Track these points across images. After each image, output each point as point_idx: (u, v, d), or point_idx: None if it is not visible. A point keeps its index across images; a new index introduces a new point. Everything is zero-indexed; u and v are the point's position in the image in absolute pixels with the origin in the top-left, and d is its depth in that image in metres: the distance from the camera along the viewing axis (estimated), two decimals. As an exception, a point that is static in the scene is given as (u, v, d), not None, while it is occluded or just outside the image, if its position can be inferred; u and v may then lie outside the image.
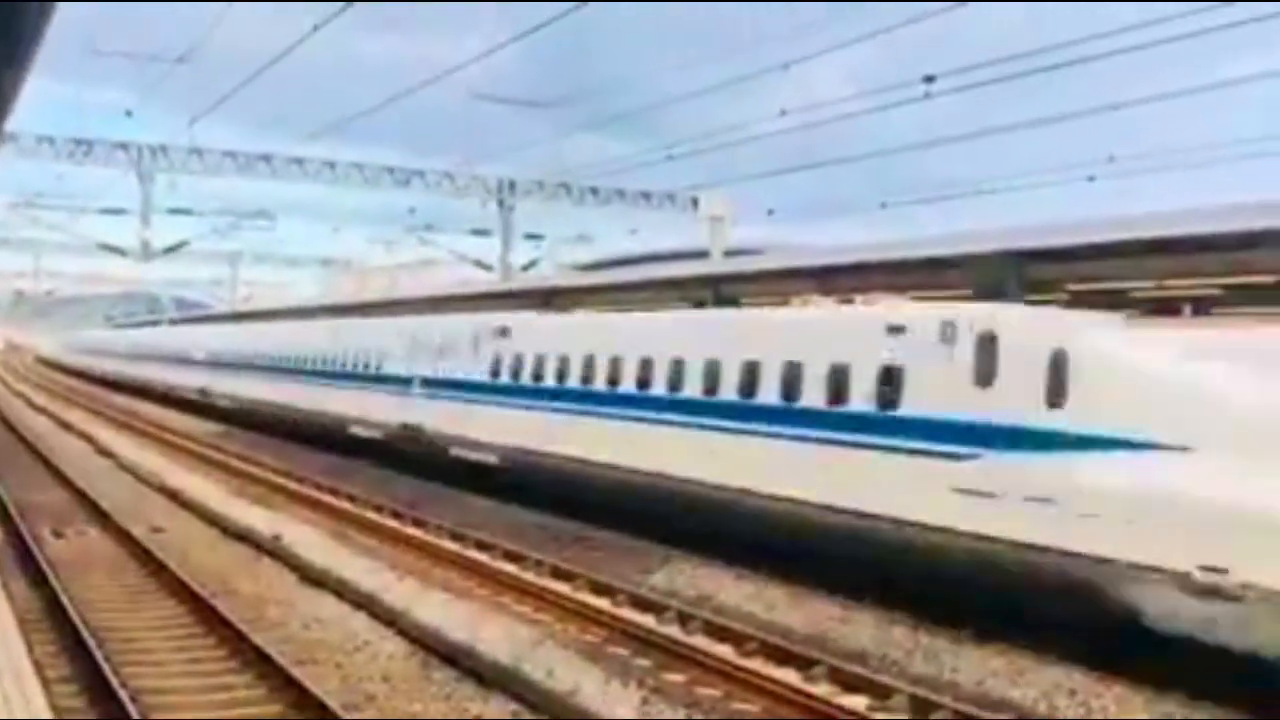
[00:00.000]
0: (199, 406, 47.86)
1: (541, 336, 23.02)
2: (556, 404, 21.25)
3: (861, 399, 14.44)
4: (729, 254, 39.07)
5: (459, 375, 25.00)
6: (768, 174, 35.40)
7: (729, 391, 16.41)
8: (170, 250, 46.05)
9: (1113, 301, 16.46)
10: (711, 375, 16.79)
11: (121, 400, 57.89)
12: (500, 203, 42.86)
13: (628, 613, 14.19)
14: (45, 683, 10.38)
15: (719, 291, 24.84)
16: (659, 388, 17.92)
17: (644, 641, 13.03)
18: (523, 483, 22.19)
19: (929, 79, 19.24)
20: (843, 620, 14.08)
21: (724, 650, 12.61)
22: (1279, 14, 14.32)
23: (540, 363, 22.09)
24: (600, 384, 19.93)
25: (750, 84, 23.30)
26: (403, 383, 27.74)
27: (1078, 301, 17.70)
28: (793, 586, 15.45)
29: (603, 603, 14.68)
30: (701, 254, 40.12)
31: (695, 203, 42.66)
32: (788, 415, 15.32)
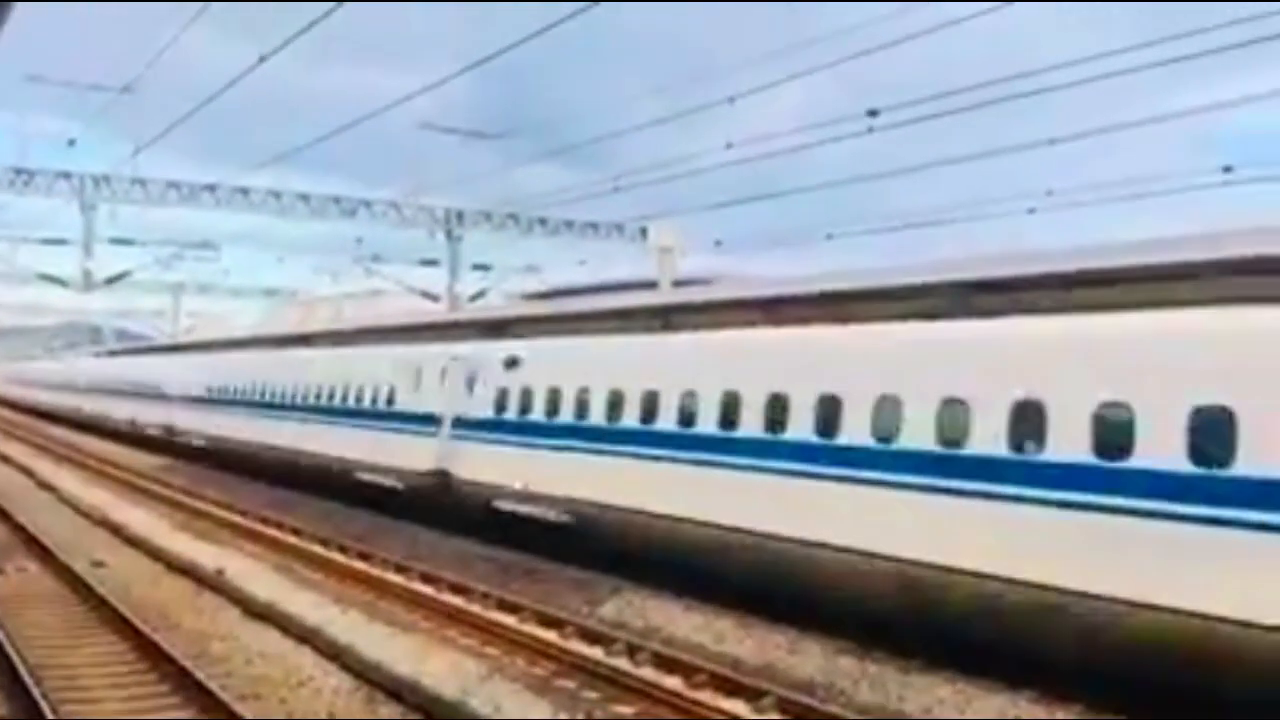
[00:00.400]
0: (141, 440, 47.09)
1: None
2: None
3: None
4: (678, 284, 39.21)
5: None
6: (715, 206, 35.66)
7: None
8: (112, 281, 45.50)
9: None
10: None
11: (63, 434, 57.01)
12: (448, 233, 42.77)
13: (576, 645, 14.16)
14: (-18, 722, 10.20)
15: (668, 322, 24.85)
16: None
17: (592, 674, 13.00)
18: None
19: (872, 113, 19.48)
20: (791, 650, 14.13)
21: (673, 682, 12.62)
22: (1209, 52, 14.66)
23: None
24: None
25: (697, 117, 23.48)
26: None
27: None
28: (741, 617, 15.48)
29: (550, 635, 14.63)
30: (650, 284, 40.22)
31: (644, 233, 42.81)
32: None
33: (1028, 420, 12.40)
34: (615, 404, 18.59)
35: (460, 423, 22.81)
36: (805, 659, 13.76)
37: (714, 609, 15.95)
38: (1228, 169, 19.46)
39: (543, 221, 42.03)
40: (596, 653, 13.74)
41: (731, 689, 12.32)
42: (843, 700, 12.26)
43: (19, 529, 22.76)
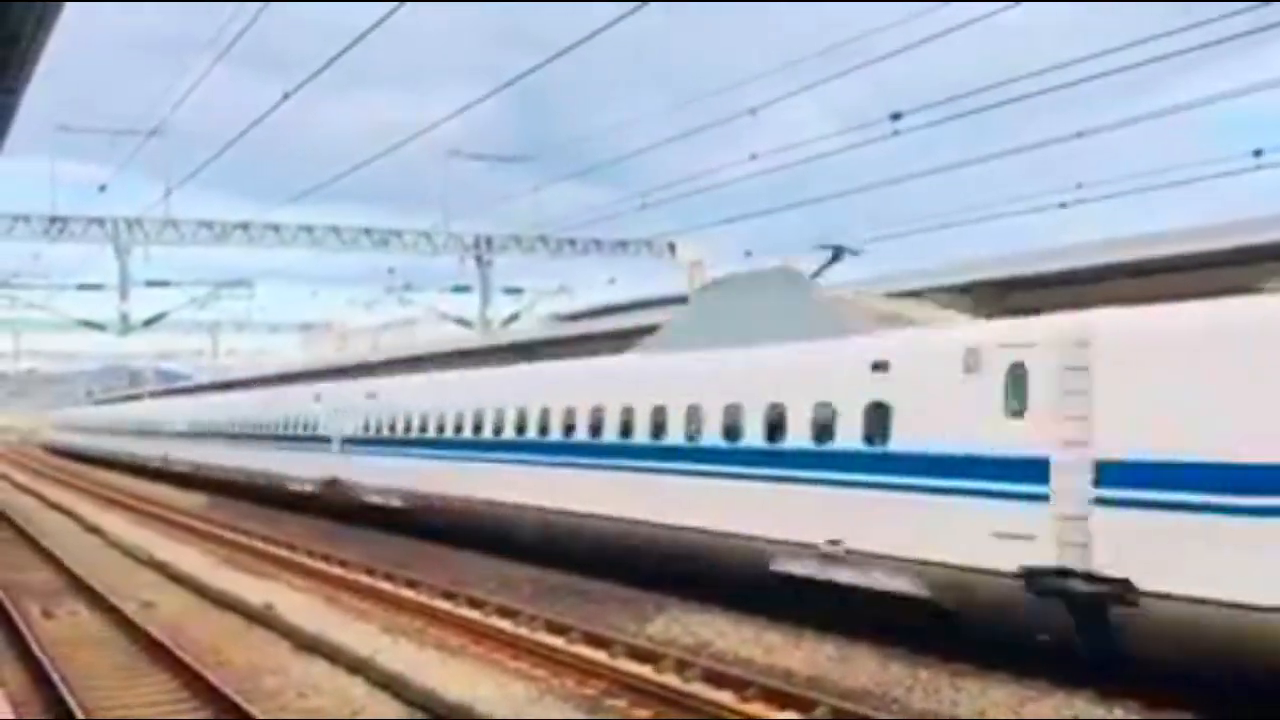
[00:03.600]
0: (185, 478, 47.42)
1: None
2: None
3: None
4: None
5: None
6: (743, 216, 35.70)
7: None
8: (149, 323, 45.93)
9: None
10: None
11: (105, 476, 57.52)
12: (478, 258, 42.98)
13: (625, 663, 14.12)
14: (40, 766, 10.26)
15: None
16: None
17: (643, 692, 12.95)
18: None
19: (896, 116, 19.41)
20: (841, 660, 14.05)
21: (724, 696, 12.56)
22: (1232, 37, 14.53)
23: None
24: None
25: (720, 130, 23.51)
26: None
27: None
28: (790, 629, 15.42)
29: (599, 655, 14.60)
30: (681, 299, 40.24)
31: (673, 248, 42.86)
32: None
33: None
34: None
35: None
36: (856, 668, 13.67)
37: (762, 622, 15.89)
38: (1258, 153, 19.19)
39: (572, 242, 42.13)
40: (646, 671, 13.69)
41: (783, 701, 12.24)
42: (896, 708, 12.17)
43: (68, 573, 22.94)
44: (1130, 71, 15.97)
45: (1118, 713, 11.47)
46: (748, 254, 39.08)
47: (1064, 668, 12.29)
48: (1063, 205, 23.19)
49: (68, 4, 9.73)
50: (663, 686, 12.98)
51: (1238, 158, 19.49)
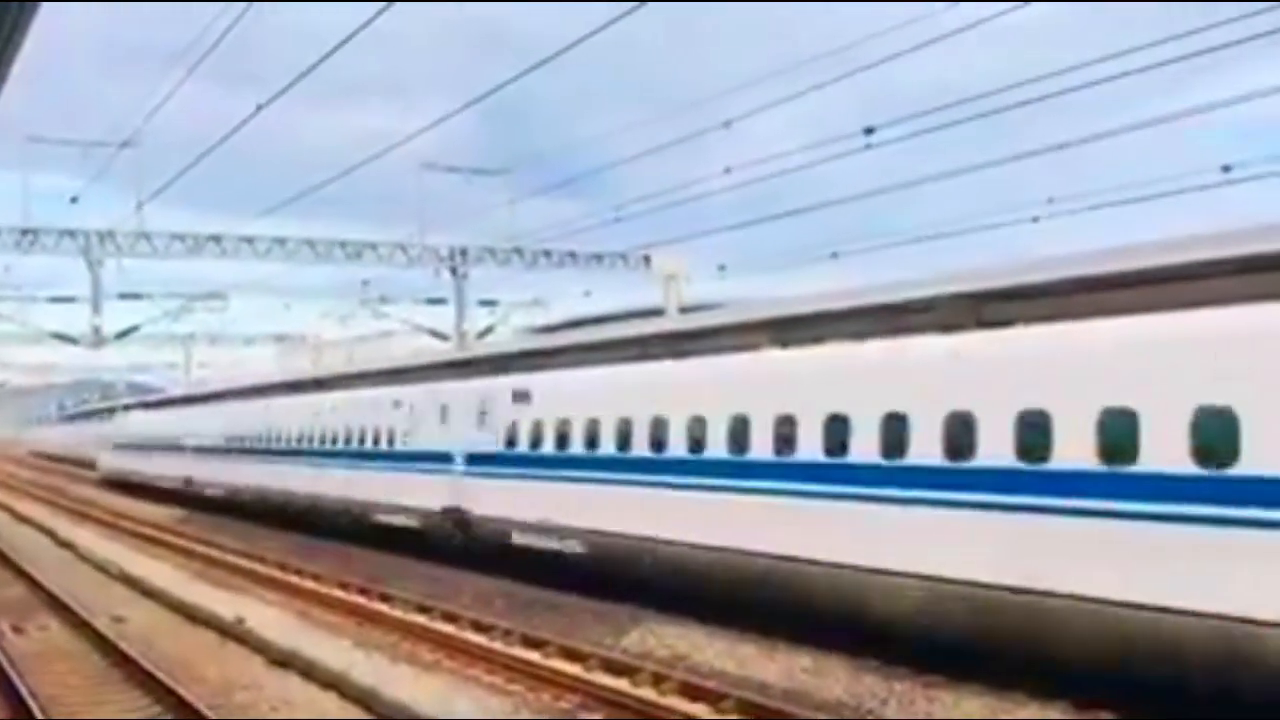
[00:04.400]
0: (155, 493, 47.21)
1: None
2: None
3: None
4: (685, 310, 39.26)
5: None
6: (717, 230, 35.70)
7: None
8: (122, 335, 45.57)
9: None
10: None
11: (79, 491, 57.07)
12: (453, 271, 42.87)
13: (600, 677, 14.10)
14: (9, 783, 10.16)
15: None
16: None
17: (619, 705, 12.94)
18: None
19: (868, 130, 19.49)
20: (815, 672, 14.06)
21: (699, 709, 12.55)
22: (1205, 50, 14.65)
23: None
24: None
25: (694, 143, 23.55)
26: None
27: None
28: (765, 641, 15.43)
29: (575, 669, 14.57)
30: (657, 312, 40.28)
31: (648, 261, 42.86)
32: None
33: None
34: None
35: None
36: (830, 680, 13.69)
37: (736, 634, 15.90)
38: (1227, 168, 19.32)
39: (547, 254, 42.09)
40: (622, 684, 13.68)
41: (759, 714, 12.25)
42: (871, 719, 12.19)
43: (39, 588, 22.75)
44: (1107, 85, 16.09)
45: (1091, 724, 11.51)
46: (721, 268, 39.15)
47: (1040, 679, 12.32)
48: (1035, 219, 23.32)
49: (44, 4, 9.66)
50: (639, 699, 12.97)
51: (1207, 172, 19.65)
